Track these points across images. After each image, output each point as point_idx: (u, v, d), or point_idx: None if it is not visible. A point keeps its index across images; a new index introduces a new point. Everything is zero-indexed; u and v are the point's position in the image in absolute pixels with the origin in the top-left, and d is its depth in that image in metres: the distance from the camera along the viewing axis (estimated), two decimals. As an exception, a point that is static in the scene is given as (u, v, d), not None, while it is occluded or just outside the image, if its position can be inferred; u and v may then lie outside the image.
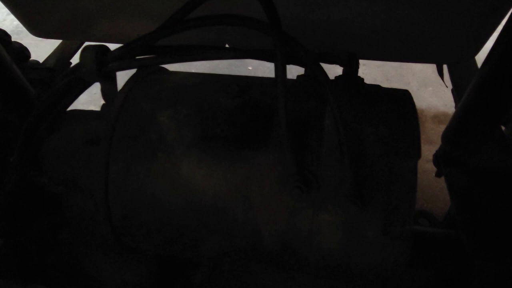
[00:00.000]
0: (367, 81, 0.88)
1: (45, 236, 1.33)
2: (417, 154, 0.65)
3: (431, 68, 3.02)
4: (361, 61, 0.83)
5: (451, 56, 1.01)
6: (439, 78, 1.69)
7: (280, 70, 0.64)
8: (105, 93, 0.75)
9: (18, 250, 1.36)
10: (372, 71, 2.72)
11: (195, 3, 0.66)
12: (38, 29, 1.30)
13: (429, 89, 2.79)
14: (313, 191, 0.65)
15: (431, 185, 2.18)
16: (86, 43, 0.80)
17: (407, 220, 0.63)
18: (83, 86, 0.76)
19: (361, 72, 2.94)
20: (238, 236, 0.70)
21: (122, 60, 0.69)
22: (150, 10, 1.00)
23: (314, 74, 0.66)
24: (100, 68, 0.67)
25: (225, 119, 0.71)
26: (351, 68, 0.78)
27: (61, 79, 0.74)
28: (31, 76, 1.63)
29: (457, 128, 1.04)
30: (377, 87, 0.76)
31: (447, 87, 1.64)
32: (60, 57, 1.71)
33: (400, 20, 0.92)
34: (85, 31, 1.26)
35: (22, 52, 1.73)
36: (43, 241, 1.32)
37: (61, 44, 1.79)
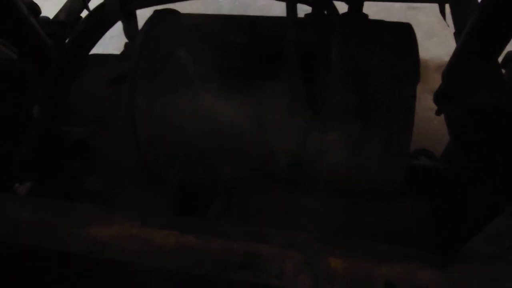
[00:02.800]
0: None
1: (70, 184, 1.42)
2: (416, 79, 0.71)
3: (435, 19, 3.00)
4: (366, 9, 0.87)
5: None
6: (443, 28, 1.71)
7: (291, 6, 0.69)
8: (127, 32, 0.81)
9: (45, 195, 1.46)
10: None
11: None
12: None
13: (434, 39, 2.80)
14: (321, 114, 0.72)
15: (433, 132, 2.24)
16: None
17: (405, 138, 0.70)
18: (106, 26, 0.82)
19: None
20: (253, 157, 0.78)
21: (142, -2, 0.74)
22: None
23: (324, 7, 0.71)
24: (123, 6, 0.73)
25: (238, 53, 0.77)
26: (355, 5, 0.83)
27: (86, 19, 0.80)
28: (44, 30, 1.67)
29: (457, 66, 1.09)
30: (380, 21, 0.82)
31: (448, 26, 1.66)
32: (70, 11, 1.75)
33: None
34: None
35: (33, 7, 1.76)
36: (69, 190, 1.41)
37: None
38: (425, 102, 2.18)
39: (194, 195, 1.08)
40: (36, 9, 1.78)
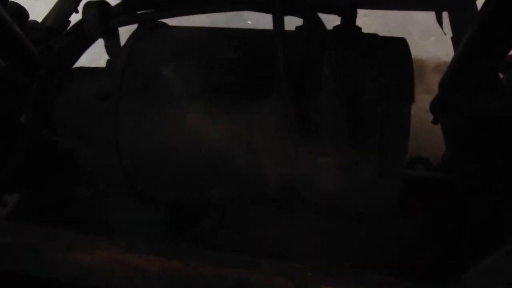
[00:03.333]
0: (369, 31, 0.88)
1: (61, 192, 1.39)
2: (411, 98, 0.68)
3: (433, 18, 2.97)
4: (362, 12, 0.84)
5: (448, 3, 1.01)
6: (440, 29, 1.69)
7: (278, 21, 0.66)
8: (109, 49, 0.77)
9: (35, 206, 1.42)
10: (374, 22, 2.69)
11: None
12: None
13: (431, 39, 2.77)
14: (312, 136, 0.68)
15: (430, 134, 2.21)
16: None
17: (399, 160, 0.67)
18: (87, 42, 0.78)
19: (363, 23, 2.89)
20: (244, 181, 0.75)
21: (123, 15, 0.71)
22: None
23: (312, 25, 0.68)
24: (102, 23, 0.69)
25: (228, 70, 0.73)
26: (349, 18, 0.79)
27: (65, 37, 0.76)
28: (32, 35, 1.63)
29: (455, 74, 1.06)
30: (374, 36, 0.78)
31: (445, 34, 1.64)
32: (58, 15, 1.70)
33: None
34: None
35: (20, 12, 1.71)
36: (60, 197, 1.38)
37: (58, 2, 1.76)
38: (422, 103, 2.15)
39: (184, 210, 1.05)
40: (23, 13, 1.73)
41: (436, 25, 2.10)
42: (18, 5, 1.73)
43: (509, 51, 0.95)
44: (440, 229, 1.19)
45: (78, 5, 1.86)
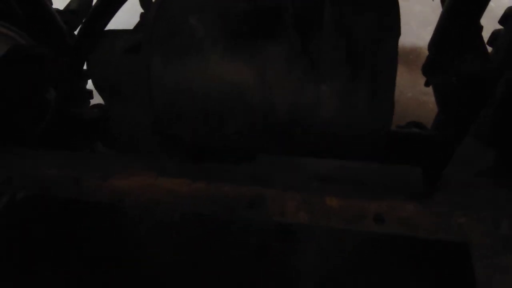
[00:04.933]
0: None
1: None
2: (397, 33, 0.81)
3: (430, 8, 3.12)
4: None
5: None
6: (437, 18, 1.83)
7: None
8: (142, 3, 0.91)
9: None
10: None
11: None
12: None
13: (428, 28, 2.91)
14: (315, 69, 0.82)
15: (429, 115, 2.33)
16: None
17: (390, 84, 0.80)
18: (121, 1, 0.92)
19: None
20: (255, 111, 0.88)
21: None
22: None
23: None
24: (140, -24, 0.83)
25: (243, 18, 0.87)
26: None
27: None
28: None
29: (441, 37, 1.19)
30: (367, -10, 0.92)
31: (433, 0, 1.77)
32: (81, 1, 1.85)
33: None
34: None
35: (47, 0, 1.87)
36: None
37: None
38: (420, 87, 2.28)
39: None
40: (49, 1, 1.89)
41: (433, 15, 2.24)
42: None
43: (483, 10, 1.08)
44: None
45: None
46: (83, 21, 0.99)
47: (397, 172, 1.27)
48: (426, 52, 2.53)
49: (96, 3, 0.99)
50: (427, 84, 1.37)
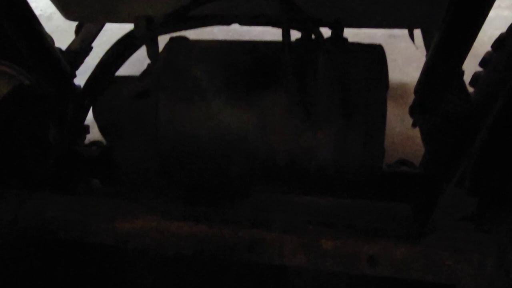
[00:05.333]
0: None
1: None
2: (385, 87, 0.89)
3: (414, 46, 3.27)
4: (352, 38, 1.05)
5: (420, 21, 1.25)
6: (422, 55, 1.96)
7: (286, 32, 0.87)
8: (150, 54, 0.97)
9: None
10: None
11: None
12: (71, 13, 1.51)
13: (413, 64, 3.04)
14: (312, 117, 0.88)
15: (417, 149, 2.41)
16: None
17: (380, 133, 0.87)
18: (134, 49, 0.99)
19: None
20: (257, 157, 0.94)
21: (164, 26, 0.92)
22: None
23: (312, 34, 0.89)
24: (150, 32, 0.90)
25: (244, 69, 0.94)
26: (338, 30, 1.01)
27: (116, 44, 0.97)
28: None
29: (425, 81, 1.27)
30: (357, 43, 1.00)
31: (417, 49, 1.89)
32: (83, 42, 1.93)
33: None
34: (111, 13, 1.48)
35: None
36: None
37: (84, 29, 2.00)
38: (408, 122, 2.37)
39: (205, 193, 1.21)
40: (51, 41, 1.96)
41: (417, 52, 2.39)
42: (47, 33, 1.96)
43: (464, 58, 1.17)
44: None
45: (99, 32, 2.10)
46: (94, 67, 1.04)
47: (388, 211, 1.33)
48: (412, 87, 2.65)
49: (112, 48, 1.04)
50: (414, 125, 1.45)
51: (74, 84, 1.66)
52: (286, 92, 0.90)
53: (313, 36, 0.97)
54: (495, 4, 1.00)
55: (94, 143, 1.71)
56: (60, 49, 1.98)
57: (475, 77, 1.70)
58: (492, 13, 1.04)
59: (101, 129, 1.14)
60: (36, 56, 1.39)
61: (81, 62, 1.86)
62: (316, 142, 0.89)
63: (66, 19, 1.54)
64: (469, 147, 1.06)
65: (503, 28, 1.53)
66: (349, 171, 0.90)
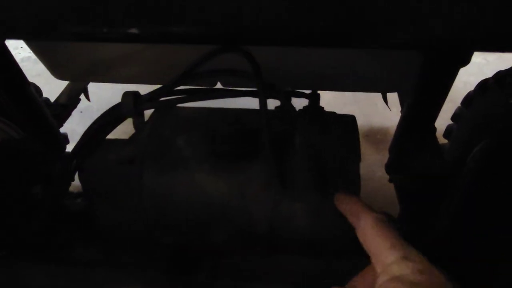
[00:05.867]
0: (339, 102, 1.08)
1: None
2: (358, 159, 0.95)
3: (394, 93, 3.41)
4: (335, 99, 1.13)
5: (391, 87, 1.34)
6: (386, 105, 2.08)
7: (263, 104, 0.93)
8: (136, 125, 1.02)
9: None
10: (343, 95, 3.08)
11: (206, 58, 0.93)
12: (60, 73, 1.57)
13: (394, 110, 3.16)
14: (289, 188, 0.94)
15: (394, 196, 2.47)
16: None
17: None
18: (119, 121, 1.03)
19: (334, 95, 3.30)
20: (237, 224, 0.98)
21: (150, 101, 0.97)
22: (160, 60, 1.30)
23: (286, 108, 0.96)
24: (136, 108, 0.95)
25: (225, 140, 1.00)
26: (313, 101, 1.08)
27: (103, 116, 1.02)
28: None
29: (399, 140, 1.35)
30: (332, 113, 1.07)
31: (390, 110, 2.00)
32: (70, 95, 1.99)
33: (351, 64, 1.25)
34: (100, 75, 1.55)
35: (36, 90, 1.99)
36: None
37: (69, 83, 2.06)
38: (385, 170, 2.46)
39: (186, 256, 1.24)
40: (38, 92, 2.01)
41: (396, 97, 2.52)
42: (34, 84, 2.01)
43: (435, 119, 1.25)
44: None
45: (87, 85, 2.15)
46: (83, 133, 1.08)
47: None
48: (392, 132, 2.77)
49: (98, 120, 1.09)
50: (390, 181, 1.52)
51: (61, 138, 1.70)
52: (265, 164, 0.96)
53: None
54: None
55: (78, 194, 1.73)
56: (48, 100, 2.03)
57: (448, 130, 1.80)
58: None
59: (86, 191, 1.17)
60: (19, 109, 1.43)
61: (69, 115, 1.91)
62: (294, 212, 0.94)
63: (56, 78, 1.60)
64: (444, 209, 1.12)
65: (477, 74, 1.63)
66: (327, 235, 0.95)
